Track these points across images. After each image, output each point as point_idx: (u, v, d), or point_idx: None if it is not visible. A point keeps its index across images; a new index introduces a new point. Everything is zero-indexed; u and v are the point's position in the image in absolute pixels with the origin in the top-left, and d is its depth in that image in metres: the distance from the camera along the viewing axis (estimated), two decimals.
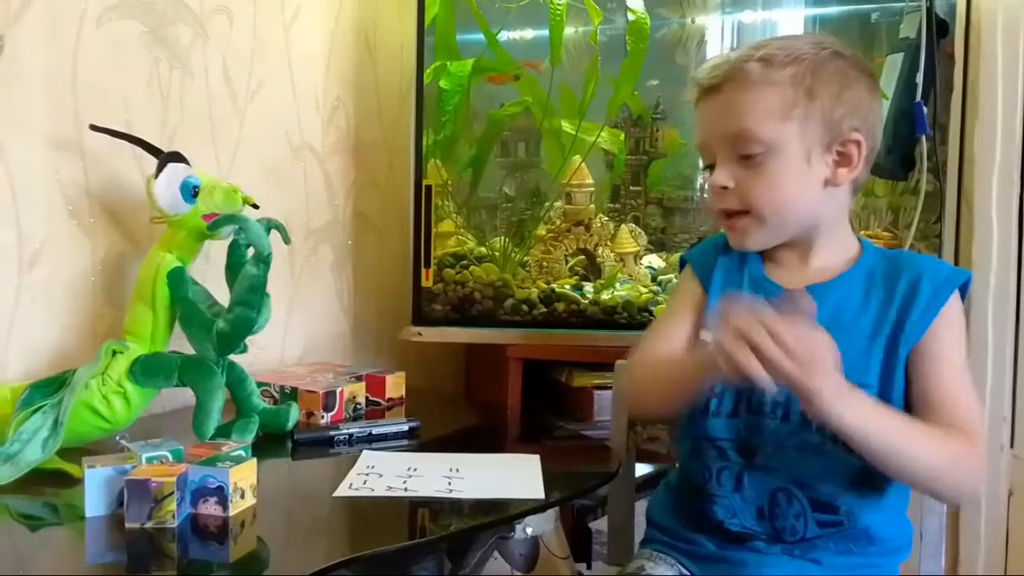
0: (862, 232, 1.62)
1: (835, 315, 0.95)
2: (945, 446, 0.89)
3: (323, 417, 1.27)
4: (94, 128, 1.16)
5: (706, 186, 1.02)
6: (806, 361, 0.79)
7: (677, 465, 1.09)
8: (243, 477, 0.89)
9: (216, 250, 1.24)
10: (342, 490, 0.98)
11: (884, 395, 0.93)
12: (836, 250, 1.00)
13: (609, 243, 1.61)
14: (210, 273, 1.25)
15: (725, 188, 0.97)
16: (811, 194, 0.96)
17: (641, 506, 1.15)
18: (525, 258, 1.60)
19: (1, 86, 1.14)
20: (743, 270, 1.03)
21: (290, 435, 1.19)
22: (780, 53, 0.94)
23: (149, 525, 0.84)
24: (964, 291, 0.97)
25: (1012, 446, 1.75)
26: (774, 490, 0.96)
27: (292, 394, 1.29)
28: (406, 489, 0.98)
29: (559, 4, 1.48)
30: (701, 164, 1.05)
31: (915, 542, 1.05)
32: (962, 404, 0.92)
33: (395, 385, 1.40)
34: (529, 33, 1.62)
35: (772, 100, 0.93)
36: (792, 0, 1.74)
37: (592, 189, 1.62)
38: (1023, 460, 1.74)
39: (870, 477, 0.94)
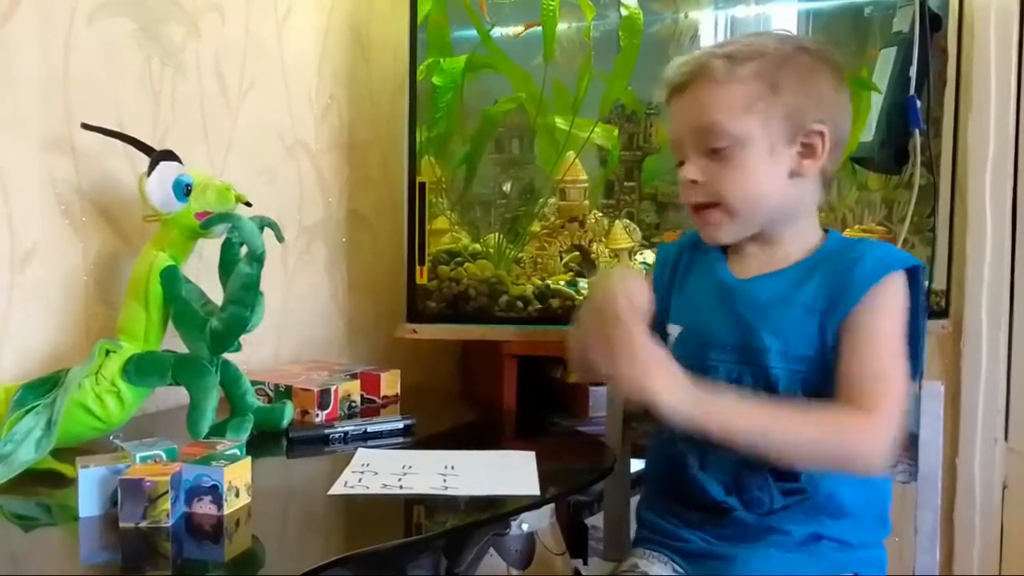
0: (857, 226, 1.63)
1: (780, 293, 0.99)
2: (824, 421, 0.91)
3: (318, 415, 1.27)
4: (85, 127, 1.16)
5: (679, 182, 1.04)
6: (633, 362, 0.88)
7: (652, 461, 1.12)
8: (238, 476, 0.89)
9: (209, 249, 1.23)
10: (337, 488, 0.98)
11: (824, 368, 0.96)
12: (799, 240, 1.03)
13: (603, 239, 1.61)
14: (203, 272, 1.24)
15: (695, 182, 1.01)
16: (777, 185, 1.00)
17: (636, 502, 1.16)
18: (519, 254, 1.60)
19: None
20: (705, 262, 1.08)
21: (285, 433, 1.19)
22: (744, 49, 0.99)
23: (143, 525, 0.84)
24: (916, 279, 0.98)
25: (1007, 439, 1.76)
26: (737, 463, 0.99)
27: (287, 392, 1.29)
28: (401, 487, 0.98)
29: (552, 0, 1.48)
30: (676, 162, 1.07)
31: (909, 536, 1.05)
32: (870, 377, 0.93)
33: (390, 383, 1.40)
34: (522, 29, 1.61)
35: (736, 94, 0.98)
36: None
37: (586, 185, 1.61)
38: (1017, 453, 1.75)
39: None
